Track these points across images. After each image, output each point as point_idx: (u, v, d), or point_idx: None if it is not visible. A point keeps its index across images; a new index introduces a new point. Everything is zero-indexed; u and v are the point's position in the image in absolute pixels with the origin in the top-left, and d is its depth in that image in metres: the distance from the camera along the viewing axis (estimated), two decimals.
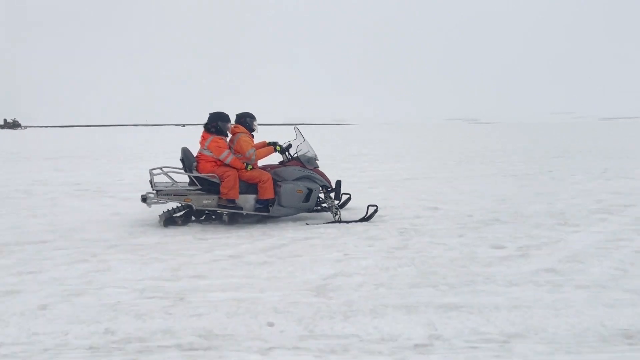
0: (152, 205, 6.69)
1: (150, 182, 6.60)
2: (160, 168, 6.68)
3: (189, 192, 6.61)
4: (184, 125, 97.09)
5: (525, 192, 9.29)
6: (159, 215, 6.64)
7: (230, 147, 6.82)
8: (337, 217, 6.78)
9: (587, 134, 42.99)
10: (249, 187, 6.77)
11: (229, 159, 6.66)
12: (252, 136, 7.03)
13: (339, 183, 7.05)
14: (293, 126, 7.30)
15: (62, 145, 30.57)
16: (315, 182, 6.86)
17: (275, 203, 6.74)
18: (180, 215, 6.79)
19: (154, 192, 6.57)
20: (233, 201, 6.68)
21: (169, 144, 30.46)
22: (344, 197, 7.58)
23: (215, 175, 6.60)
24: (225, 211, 6.68)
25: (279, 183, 6.78)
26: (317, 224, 6.64)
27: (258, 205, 6.81)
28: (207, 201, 6.63)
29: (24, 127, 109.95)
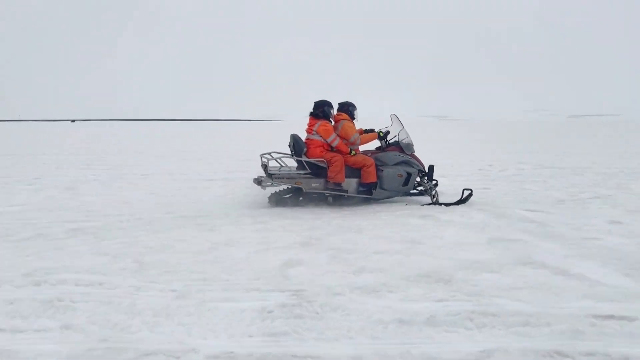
0: (267, 188, 7.07)
1: (264, 166, 6.94)
2: (270, 153, 7.02)
3: (299, 175, 6.98)
4: (73, 121, 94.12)
5: None
6: (272, 193, 7.11)
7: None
8: (434, 199, 7.24)
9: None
10: (352, 171, 7.17)
11: (336, 141, 7.05)
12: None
13: (431, 168, 7.51)
14: (390, 114, 7.72)
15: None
16: (413, 167, 7.29)
17: (378, 186, 7.16)
18: (289, 197, 7.17)
19: (266, 175, 6.93)
20: (339, 184, 7.07)
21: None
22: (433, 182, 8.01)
23: (324, 160, 6.99)
24: (330, 193, 7.10)
25: (380, 168, 7.19)
26: (417, 206, 7.09)
27: (361, 189, 7.22)
28: (316, 184, 7.01)
29: None
